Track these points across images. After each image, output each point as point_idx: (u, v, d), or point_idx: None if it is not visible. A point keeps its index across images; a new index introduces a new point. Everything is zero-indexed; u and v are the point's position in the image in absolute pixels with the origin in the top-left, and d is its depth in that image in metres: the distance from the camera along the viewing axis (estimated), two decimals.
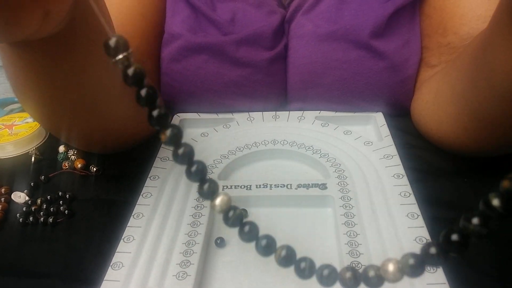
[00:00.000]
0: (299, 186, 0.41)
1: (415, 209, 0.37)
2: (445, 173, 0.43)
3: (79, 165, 0.47)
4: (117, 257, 0.35)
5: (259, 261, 0.35)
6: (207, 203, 0.40)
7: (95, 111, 0.40)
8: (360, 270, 0.20)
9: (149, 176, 0.44)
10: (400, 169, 0.42)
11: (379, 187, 0.40)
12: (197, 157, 0.46)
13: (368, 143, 0.46)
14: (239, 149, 0.47)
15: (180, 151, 0.19)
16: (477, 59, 0.36)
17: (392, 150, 0.45)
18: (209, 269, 0.35)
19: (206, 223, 0.38)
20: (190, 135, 0.51)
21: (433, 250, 0.18)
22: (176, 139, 0.19)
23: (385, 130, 0.48)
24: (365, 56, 0.50)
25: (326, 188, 0.41)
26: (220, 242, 0.37)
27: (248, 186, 0.42)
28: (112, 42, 0.17)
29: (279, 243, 0.35)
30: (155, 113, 0.19)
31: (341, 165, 0.43)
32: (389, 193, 0.39)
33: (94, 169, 0.47)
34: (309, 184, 0.41)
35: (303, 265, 0.20)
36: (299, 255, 0.34)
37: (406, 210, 0.37)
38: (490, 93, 0.34)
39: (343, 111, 0.52)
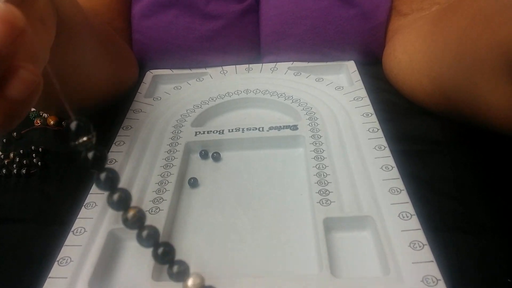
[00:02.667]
0: (271, 128, 0.42)
1: (383, 142, 0.38)
2: (413, 112, 0.44)
3: (52, 122, 0.47)
4: (90, 198, 0.35)
5: (233, 198, 0.36)
6: (180, 147, 0.40)
7: (71, 77, 0.39)
8: None
9: (122, 126, 0.44)
10: (369, 109, 0.42)
11: (348, 126, 0.41)
12: (170, 109, 0.46)
13: (339, 88, 0.47)
14: (212, 99, 0.47)
15: (145, 233, 0.19)
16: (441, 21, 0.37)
17: (362, 92, 0.45)
18: (183, 207, 0.36)
19: (179, 165, 0.38)
20: (163, 90, 0.51)
21: None
22: (140, 220, 0.19)
23: (356, 76, 0.48)
24: (336, 3, 0.50)
25: (297, 129, 0.41)
26: (194, 182, 0.37)
27: (221, 131, 0.42)
28: (73, 125, 0.17)
29: (252, 186, 0.36)
30: (115, 197, 0.18)
31: (312, 108, 0.44)
32: (358, 130, 0.40)
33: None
34: (280, 126, 0.42)
35: None
36: (271, 194, 0.35)
37: (373, 143, 0.38)
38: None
39: (316, 61, 0.52)
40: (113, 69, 0.47)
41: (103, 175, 0.18)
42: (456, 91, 0.36)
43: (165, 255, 0.19)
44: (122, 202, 0.18)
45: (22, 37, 0.17)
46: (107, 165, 0.18)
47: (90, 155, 0.17)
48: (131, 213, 0.18)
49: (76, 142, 0.17)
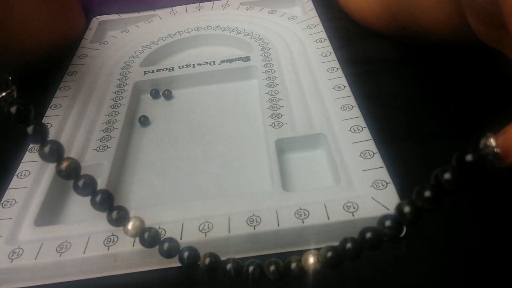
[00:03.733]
0: (222, 61, 0.40)
1: (335, 64, 0.37)
2: (365, 36, 0.43)
3: None
4: None
5: (186, 133, 0.35)
6: (128, 87, 0.39)
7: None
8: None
9: (66, 72, 0.42)
10: (323, 35, 0.41)
11: (301, 53, 0.40)
12: (117, 52, 0.44)
13: (292, 18, 0.46)
14: (162, 39, 0.46)
15: (81, 182, 0.18)
16: None
17: (315, 20, 0.44)
18: (133, 144, 0.34)
19: (127, 104, 0.37)
20: (111, 35, 0.49)
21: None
22: (75, 171, 0.18)
23: (310, 5, 0.47)
24: None
25: (249, 60, 0.40)
26: (144, 120, 0.36)
27: (171, 68, 0.40)
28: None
29: (205, 120, 0.35)
30: (46, 149, 0.17)
31: (265, 40, 0.43)
32: (311, 55, 0.39)
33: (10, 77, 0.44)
34: (232, 59, 0.40)
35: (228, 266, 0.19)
36: (224, 125, 0.34)
37: (326, 66, 0.37)
38: None
39: None
40: (53, 17, 0.44)
41: (30, 129, 0.17)
42: (400, 8, 0.35)
43: (103, 202, 0.18)
44: (53, 153, 0.18)
45: None
46: (33, 119, 0.17)
47: (13, 109, 0.16)
48: (64, 164, 0.18)
49: None
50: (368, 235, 0.17)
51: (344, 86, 0.34)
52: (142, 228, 0.19)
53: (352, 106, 0.32)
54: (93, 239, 0.25)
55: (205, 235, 0.24)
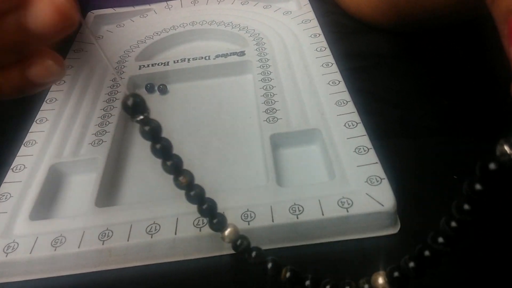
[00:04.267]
0: (217, 56, 0.40)
1: (330, 59, 0.37)
2: (360, 31, 0.44)
3: None
4: (29, 136, 0.33)
5: (181, 127, 0.35)
6: (123, 81, 0.39)
7: None
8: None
9: None
10: (317, 30, 0.41)
11: (296, 47, 0.40)
12: (112, 46, 0.44)
13: (287, 13, 0.45)
14: (157, 33, 0.45)
15: (193, 193, 0.19)
16: None
17: (310, 15, 0.44)
18: (128, 138, 0.35)
19: (122, 98, 0.36)
20: (106, 29, 0.48)
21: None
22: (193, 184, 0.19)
23: (304, 0, 0.47)
24: None
25: (244, 54, 0.40)
26: None
27: (166, 63, 0.40)
28: (130, 102, 0.16)
29: (200, 114, 0.35)
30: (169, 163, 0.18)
31: (260, 34, 0.43)
32: (306, 50, 0.39)
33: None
34: (227, 53, 0.40)
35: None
36: (219, 120, 0.34)
37: (321, 61, 0.37)
38: None
39: None
40: None
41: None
42: None
43: (209, 210, 0.20)
44: (175, 169, 0.19)
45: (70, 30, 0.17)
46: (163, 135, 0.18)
47: (147, 128, 0.17)
48: (183, 180, 0.19)
49: (134, 119, 0.17)
50: (426, 253, 0.17)
51: (339, 81, 0.34)
52: (237, 236, 0.20)
53: (347, 101, 0.32)
54: (88, 233, 0.25)
55: (200, 230, 0.25)
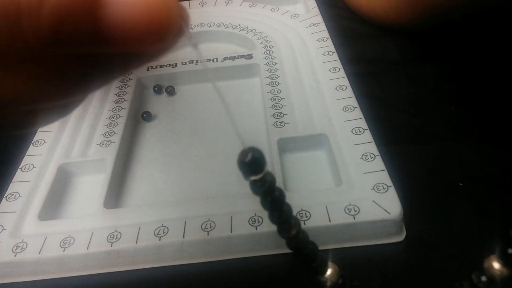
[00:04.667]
0: (225, 58, 0.40)
1: (337, 64, 0.37)
2: (369, 36, 0.44)
3: None
4: (38, 136, 0.34)
5: (189, 129, 0.35)
6: (131, 82, 0.39)
7: None
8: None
9: None
10: (325, 34, 0.42)
11: (304, 51, 0.40)
12: None
13: (295, 16, 0.46)
14: None
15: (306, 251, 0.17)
16: None
17: (318, 19, 0.44)
18: (136, 140, 0.35)
19: (130, 99, 0.37)
20: None
21: None
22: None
23: (312, 3, 0.47)
24: None
25: (252, 57, 0.40)
26: (147, 116, 0.36)
27: (174, 64, 0.41)
28: (249, 159, 0.13)
29: (208, 117, 0.35)
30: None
31: (268, 37, 0.43)
32: (313, 54, 0.39)
33: None
34: (235, 56, 0.41)
35: None
36: (226, 123, 0.34)
37: (328, 66, 0.37)
38: None
39: None
40: None
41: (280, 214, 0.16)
42: None
43: (311, 259, 0.17)
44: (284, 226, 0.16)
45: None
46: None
47: (269, 199, 0.15)
48: (293, 232, 0.16)
49: (251, 179, 0.14)
50: None
51: (346, 87, 0.34)
52: (337, 276, 0.18)
53: (354, 108, 0.32)
54: (96, 234, 0.26)
55: (208, 234, 0.25)
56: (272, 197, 0.15)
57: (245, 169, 0.13)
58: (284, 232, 0.16)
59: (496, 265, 0.17)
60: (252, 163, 0.13)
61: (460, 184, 0.28)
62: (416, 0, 0.39)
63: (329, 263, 0.18)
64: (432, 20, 0.42)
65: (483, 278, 0.17)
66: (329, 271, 0.18)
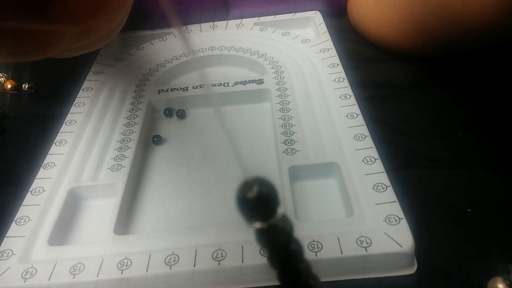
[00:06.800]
0: (236, 83, 0.41)
1: (348, 91, 0.37)
2: (378, 60, 0.44)
3: (9, 86, 0.45)
4: (48, 159, 0.34)
5: (199, 153, 0.35)
6: (142, 105, 0.39)
7: None
8: None
9: (82, 88, 0.42)
10: (336, 60, 0.42)
11: (314, 77, 0.40)
12: (132, 69, 0.45)
13: (306, 41, 0.46)
14: (176, 57, 0.46)
15: None
16: None
17: (329, 44, 0.45)
18: (147, 164, 0.35)
19: (141, 123, 0.37)
20: (125, 51, 0.49)
21: None
22: None
23: (323, 28, 0.48)
24: None
25: (263, 82, 0.40)
26: (157, 140, 0.36)
27: (185, 88, 0.41)
28: (254, 195, 0.10)
29: (218, 141, 0.35)
30: None
31: (278, 62, 0.43)
32: (324, 81, 0.39)
33: (27, 86, 0.45)
34: (246, 81, 0.41)
35: None
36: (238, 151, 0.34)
37: (339, 93, 0.37)
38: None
39: (283, 12, 0.51)
40: None
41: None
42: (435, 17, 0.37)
43: None
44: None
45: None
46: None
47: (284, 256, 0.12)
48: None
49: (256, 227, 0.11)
50: None
51: (357, 115, 0.34)
52: None
53: (365, 136, 0.32)
54: (106, 261, 0.26)
55: (219, 263, 0.25)
56: (287, 253, 0.11)
57: (248, 210, 0.10)
58: None
59: (501, 285, 0.17)
60: (258, 202, 0.09)
61: (469, 210, 0.28)
62: (424, 28, 0.40)
63: None
64: (441, 49, 0.42)
65: None
66: None
